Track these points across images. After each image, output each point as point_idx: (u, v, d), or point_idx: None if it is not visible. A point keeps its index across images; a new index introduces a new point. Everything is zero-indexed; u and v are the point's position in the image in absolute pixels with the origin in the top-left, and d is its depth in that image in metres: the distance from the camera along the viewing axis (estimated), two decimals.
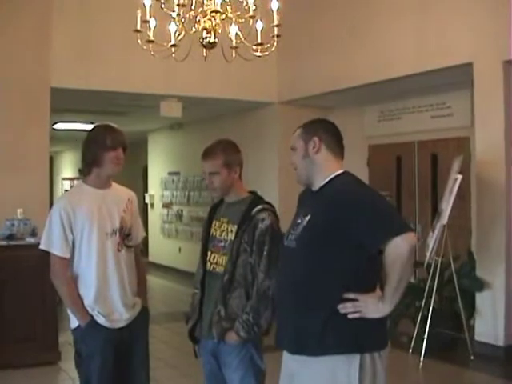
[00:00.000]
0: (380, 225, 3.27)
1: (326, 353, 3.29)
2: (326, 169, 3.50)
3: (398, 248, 3.19)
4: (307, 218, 3.41)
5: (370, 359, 3.31)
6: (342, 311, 3.27)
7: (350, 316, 3.27)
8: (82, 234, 4.37)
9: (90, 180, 4.51)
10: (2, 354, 7.54)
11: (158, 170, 17.62)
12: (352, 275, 3.31)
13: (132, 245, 4.60)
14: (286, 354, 3.49)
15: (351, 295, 3.28)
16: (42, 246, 4.42)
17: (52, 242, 4.38)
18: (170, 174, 16.80)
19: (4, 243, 8.06)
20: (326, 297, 3.32)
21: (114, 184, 4.63)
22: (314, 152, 3.50)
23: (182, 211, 16.16)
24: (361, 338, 3.30)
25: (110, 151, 4.41)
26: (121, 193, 4.67)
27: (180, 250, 16.05)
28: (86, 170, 4.51)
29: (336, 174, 3.48)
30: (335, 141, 3.56)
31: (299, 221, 3.48)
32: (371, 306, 3.29)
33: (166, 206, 17.01)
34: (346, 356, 3.27)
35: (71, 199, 4.52)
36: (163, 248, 17.04)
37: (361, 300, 3.28)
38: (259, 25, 6.39)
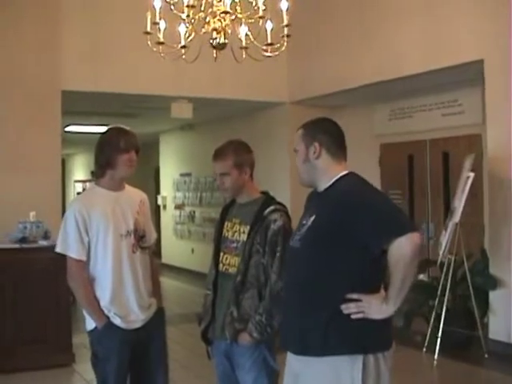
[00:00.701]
0: (384, 225, 3.25)
1: (330, 353, 3.28)
2: (328, 172, 3.47)
3: (401, 248, 3.17)
4: (312, 219, 3.41)
5: (374, 360, 3.29)
6: (346, 311, 3.26)
7: (353, 316, 3.26)
8: (98, 236, 4.40)
9: (104, 182, 4.54)
10: (15, 356, 7.57)
11: (169, 171, 17.64)
12: (357, 276, 3.30)
13: (146, 246, 4.62)
14: (290, 355, 3.49)
15: (355, 296, 3.27)
16: (58, 249, 4.45)
17: (68, 245, 4.41)
18: (181, 175, 16.82)
19: (17, 246, 8.08)
20: (330, 297, 3.31)
21: (126, 186, 4.66)
22: (315, 157, 3.48)
23: (194, 212, 16.17)
24: (364, 338, 3.29)
25: (124, 154, 4.44)
26: (133, 194, 4.71)
27: (193, 251, 16.06)
28: (100, 172, 4.54)
29: (341, 175, 3.46)
30: (337, 143, 3.53)
31: (304, 221, 3.48)
32: (374, 307, 3.27)
33: (179, 207, 17.02)
34: (349, 356, 3.26)
35: (85, 202, 4.55)
36: (176, 249, 17.05)
37: (364, 300, 3.27)
38: (269, 25, 6.39)
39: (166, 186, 17.96)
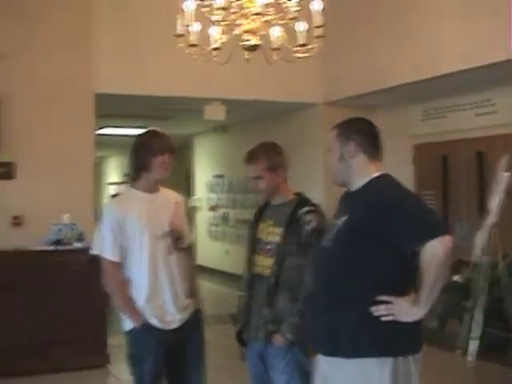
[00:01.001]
0: (417, 227, 3.25)
1: (359, 355, 3.28)
2: (363, 172, 3.47)
3: (433, 251, 3.17)
4: (344, 219, 3.41)
5: (404, 363, 3.28)
6: (376, 313, 3.26)
7: (383, 319, 3.25)
8: (133, 238, 4.45)
9: (139, 184, 4.59)
10: (50, 357, 7.63)
11: (203, 173, 17.68)
12: (387, 277, 3.29)
13: (182, 247, 4.64)
14: (319, 356, 3.49)
15: (385, 298, 3.26)
16: (93, 251, 4.52)
17: (103, 247, 4.47)
18: (215, 177, 16.85)
19: (52, 248, 8.15)
20: (360, 298, 3.31)
21: (161, 188, 4.69)
22: (350, 156, 3.48)
23: (227, 214, 16.19)
24: (394, 340, 3.28)
25: (158, 156, 4.49)
26: (168, 196, 4.75)
27: (227, 252, 16.07)
28: (135, 174, 4.60)
29: (374, 176, 3.46)
30: (372, 143, 3.53)
31: (337, 221, 3.48)
32: (405, 310, 3.26)
33: (212, 208, 17.05)
34: (379, 359, 3.25)
35: (121, 204, 4.63)
36: (210, 251, 17.08)
37: (394, 303, 3.26)
38: (301, 26, 6.37)
39: (199, 187, 18.00)
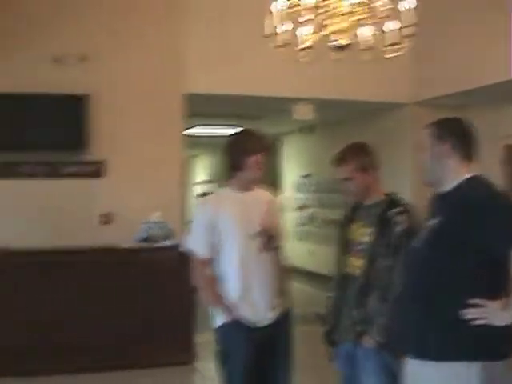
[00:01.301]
0: (509, 230, 3.19)
1: (447, 358, 3.23)
2: (456, 173, 3.42)
3: None
4: (435, 221, 3.37)
5: (492, 368, 3.21)
6: (468, 317, 3.20)
7: (475, 322, 3.19)
8: (225, 236, 4.51)
9: (232, 184, 4.64)
10: (138, 353, 7.74)
11: (291, 173, 17.69)
12: (478, 280, 3.24)
13: (273, 247, 4.65)
14: (407, 358, 3.44)
15: (477, 301, 3.20)
16: (185, 248, 4.65)
17: (195, 244, 4.55)
18: (302, 176, 16.84)
19: (141, 245, 8.26)
20: (450, 300, 3.26)
21: (255, 187, 4.71)
22: (445, 156, 3.43)
23: (314, 214, 16.15)
24: (483, 345, 3.22)
25: (252, 156, 4.52)
26: (262, 195, 4.78)
27: (312, 252, 16.03)
28: (228, 174, 4.63)
29: (466, 177, 3.40)
30: (468, 144, 3.48)
31: (427, 223, 3.44)
32: (497, 313, 3.19)
33: (299, 208, 17.04)
34: (467, 363, 3.20)
35: (214, 203, 4.68)
36: (295, 250, 17.04)
37: (487, 306, 3.20)
38: (392, 25, 6.30)
39: (287, 187, 18.01)
